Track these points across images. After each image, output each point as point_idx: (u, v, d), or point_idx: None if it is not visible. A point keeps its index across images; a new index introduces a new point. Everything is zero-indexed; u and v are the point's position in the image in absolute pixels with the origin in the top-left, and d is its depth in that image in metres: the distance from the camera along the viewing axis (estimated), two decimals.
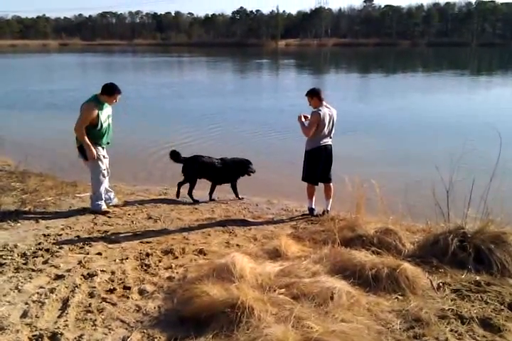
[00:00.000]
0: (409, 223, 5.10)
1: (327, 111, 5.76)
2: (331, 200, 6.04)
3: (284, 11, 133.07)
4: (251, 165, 6.74)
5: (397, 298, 3.57)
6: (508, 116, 14.37)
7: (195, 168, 6.56)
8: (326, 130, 5.78)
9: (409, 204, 5.07)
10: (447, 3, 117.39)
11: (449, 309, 3.38)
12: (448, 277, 3.92)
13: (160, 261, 4.38)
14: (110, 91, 5.58)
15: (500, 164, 4.62)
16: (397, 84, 27.35)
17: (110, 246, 4.78)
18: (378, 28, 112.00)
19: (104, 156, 5.82)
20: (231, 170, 6.64)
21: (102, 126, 5.60)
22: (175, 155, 6.66)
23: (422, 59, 57.68)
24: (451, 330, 3.13)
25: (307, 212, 6.08)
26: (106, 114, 5.67)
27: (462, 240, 4.20)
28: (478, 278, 3.88)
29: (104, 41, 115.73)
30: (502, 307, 3.45)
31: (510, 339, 3.07)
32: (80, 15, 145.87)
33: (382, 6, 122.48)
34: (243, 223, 5.72)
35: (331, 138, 5.92)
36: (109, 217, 5.75)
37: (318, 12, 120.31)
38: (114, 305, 3.54)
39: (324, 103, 5.82)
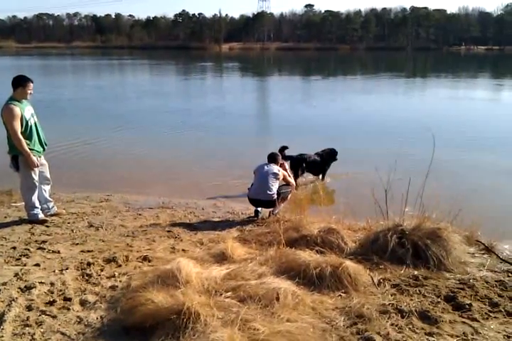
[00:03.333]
0: (350, 222, 5.24)
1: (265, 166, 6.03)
2: None
3: (226, 15, 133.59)
4: (336, 152, 8.01)
5: (340, 295, 3.65)
6: (442, 117, 15.10)
7: (302, 166, 7.66)
8: (259, 183, 5.95)
9: (351, 203, 5.21)
10: (384, 9, 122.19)
11: (389, 304, 3.50)
12: (388, 273, 4.05)
13: (102, 270, 4.24)
14: (21, 82, 5.28)
15: (434, 163, 4.84)
16: (337, 86, 28.10)
17: (49, 256, 4.58)
18: (319, 33, 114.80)
19: (40, 164, 5.54)
20: (326, 161, 7.92)
21: (27, 124, 5.30)
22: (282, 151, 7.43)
23: (361, 63, 59.59)
24: (392, 324, 3.24)
25: (253, 215, 6.12)
26: (29, 113, 5.37)
27: (401, 237, 4.35)
28: (416, 272, 4.04)
29: (41, 44, 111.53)
30: (439, 299, 3.60)
31: (447, 330, 3.21)
32: (14, 16, 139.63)
33: (323, 11, 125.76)
34: (189, 227, 5.65)
35: (270, 190, 5.87)
36: (47, 227, 5.51)
37: (260, 16, 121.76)
38: (53, 317, 3.40)
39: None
